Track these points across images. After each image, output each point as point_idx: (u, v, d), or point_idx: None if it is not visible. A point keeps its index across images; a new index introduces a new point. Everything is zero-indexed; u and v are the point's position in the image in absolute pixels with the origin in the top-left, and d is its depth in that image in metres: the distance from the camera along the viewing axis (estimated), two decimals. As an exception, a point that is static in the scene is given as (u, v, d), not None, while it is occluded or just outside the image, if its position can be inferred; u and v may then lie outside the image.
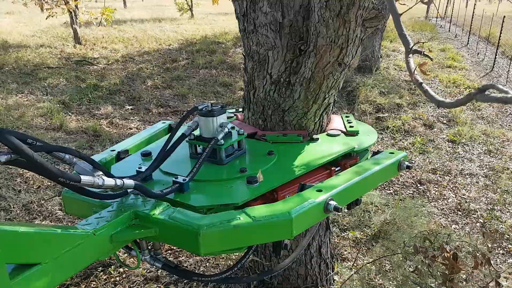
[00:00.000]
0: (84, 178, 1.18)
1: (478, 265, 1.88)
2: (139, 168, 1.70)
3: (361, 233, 3.95)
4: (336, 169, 1.99)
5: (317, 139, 2.16)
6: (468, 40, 15.48)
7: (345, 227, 4.05)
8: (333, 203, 1.51)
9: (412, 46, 1.09)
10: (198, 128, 1.89)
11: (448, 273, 1.88)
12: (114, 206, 1.40)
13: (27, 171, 4.96)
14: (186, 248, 1.37)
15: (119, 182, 1.31)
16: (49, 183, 4.78)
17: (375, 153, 2.08)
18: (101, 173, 1.36)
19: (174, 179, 1.60)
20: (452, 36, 16.91)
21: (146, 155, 1.97)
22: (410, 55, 1.10)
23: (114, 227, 1.30)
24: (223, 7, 17.93)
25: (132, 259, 3.32)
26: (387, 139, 6.44)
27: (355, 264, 3.45)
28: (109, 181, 1.27)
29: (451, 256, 1.86)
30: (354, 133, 2.23)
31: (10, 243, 0.97)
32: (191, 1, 20.19)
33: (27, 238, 1.01)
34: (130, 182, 1.36)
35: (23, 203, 4.35)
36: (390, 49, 12.02)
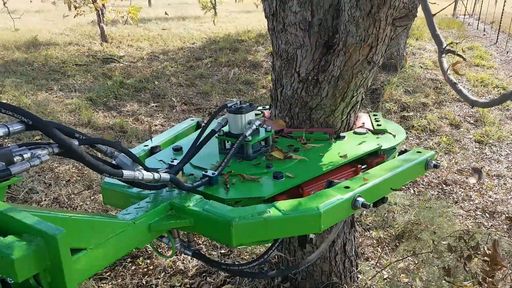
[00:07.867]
0: (126, 173, 1.27)
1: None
2: (171, 161, 1.77)
3: (385, 232, 3.94)
4: (362, 167, 2.01)
5: (344, 137, 2.18)
6: (497, 38, 15.05)
7: (368, 227, 4.05)
8: (361, 199, 1.54)
9: (446, 46, 1.11)
10: (227, 125, 1.96)
11: (488, 269, 1.83)
12: (151, 198, 1.48)
13: (57, 165, 5.16)
14: (218, 239, 1.43)
15: (156, 175, 1.40)
16: (78, 177, 4.95)
17: (402, 152, 2.08)
18: (140, 167, 1.44)
19: (203, 172, 1.67)
20: (481, 34, 16.46)
21: (178, 149, 2.05)
22: (443, 55, 1.11)
23: (152, 217, 1.37)
24: (246, 6, 17.97)
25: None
26: (412, 138, 6.36)
27: (378, 263, 3.44)
28: (148, 175, 1.36)
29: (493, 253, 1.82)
30: (381, 132, 2.24)
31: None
32: (215, 0, 20.29)
33: (77, 225, 1.08)
34: (166, 175, 1.44)
35: (54, 196, 4.52)
36: (415, 47, 11.79)
